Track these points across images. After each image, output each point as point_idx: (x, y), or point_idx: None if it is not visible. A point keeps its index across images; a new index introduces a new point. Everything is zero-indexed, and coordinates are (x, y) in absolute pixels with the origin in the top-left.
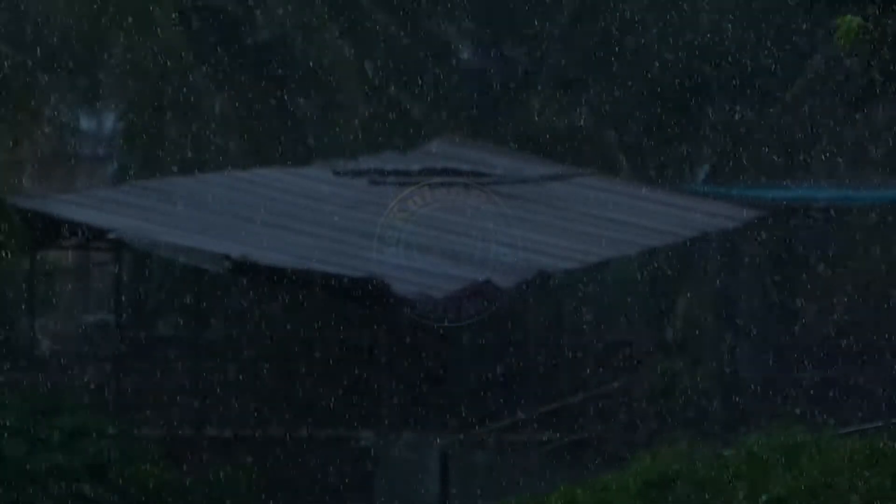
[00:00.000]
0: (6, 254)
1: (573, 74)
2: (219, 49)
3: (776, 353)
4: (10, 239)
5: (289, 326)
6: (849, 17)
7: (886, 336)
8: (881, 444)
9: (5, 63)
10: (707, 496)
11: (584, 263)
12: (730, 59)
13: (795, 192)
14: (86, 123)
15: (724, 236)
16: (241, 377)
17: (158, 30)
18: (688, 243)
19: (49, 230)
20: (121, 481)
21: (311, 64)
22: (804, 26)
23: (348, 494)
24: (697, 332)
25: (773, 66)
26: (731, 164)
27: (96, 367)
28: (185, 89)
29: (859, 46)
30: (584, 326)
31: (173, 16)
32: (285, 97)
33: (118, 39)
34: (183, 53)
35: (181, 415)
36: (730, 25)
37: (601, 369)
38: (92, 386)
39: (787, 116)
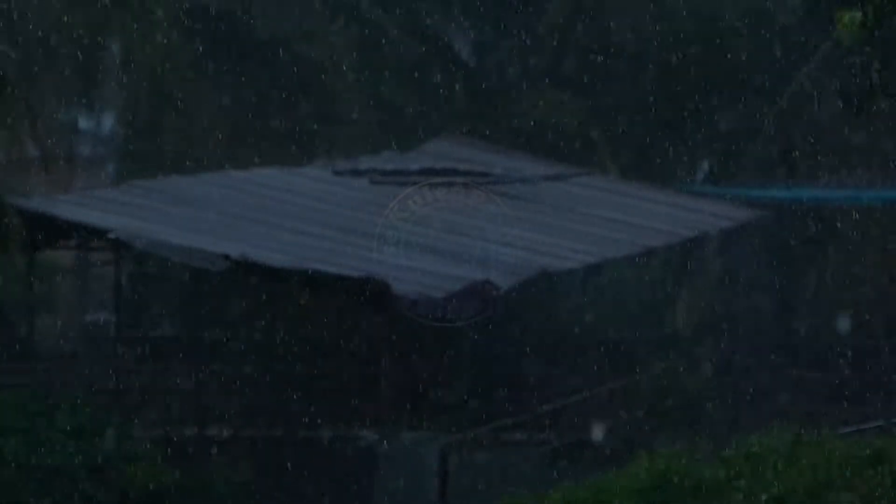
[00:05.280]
0: (6, 254)
1: (572, 74)
2: (218, 49)
3: (775, 353)
4: (10, 239)
5: (289, 326)
6: (848, 13)
7: (885, 335)
8: (881, 444)
9: (6, 63)
10: (707, 496)
11: (584, 263)
12: (730, 58)
13: (795, 192)
14: (86, 123)
15: (723, 236)
16: (240, 377)
17: (158, 30)
18: (688, 243)
19: (49, 230)
20: (121, 481)
21: (310, 64)
22: (805, 25)
23: (348, 494)
24: (697, 332)
25: (774, 65)
26: (731, 164)
27: (96, 367)
28: (184, 89)
29: (859, 43)
30: (584, 326)
31: (173, 16)
32: (285, 97)
33: (118, 40)
34: (182, 54)
35: (181, 415)
36: (730, 24)
37: (601, 369)
38: (92, 386)
39: (787, 116)
